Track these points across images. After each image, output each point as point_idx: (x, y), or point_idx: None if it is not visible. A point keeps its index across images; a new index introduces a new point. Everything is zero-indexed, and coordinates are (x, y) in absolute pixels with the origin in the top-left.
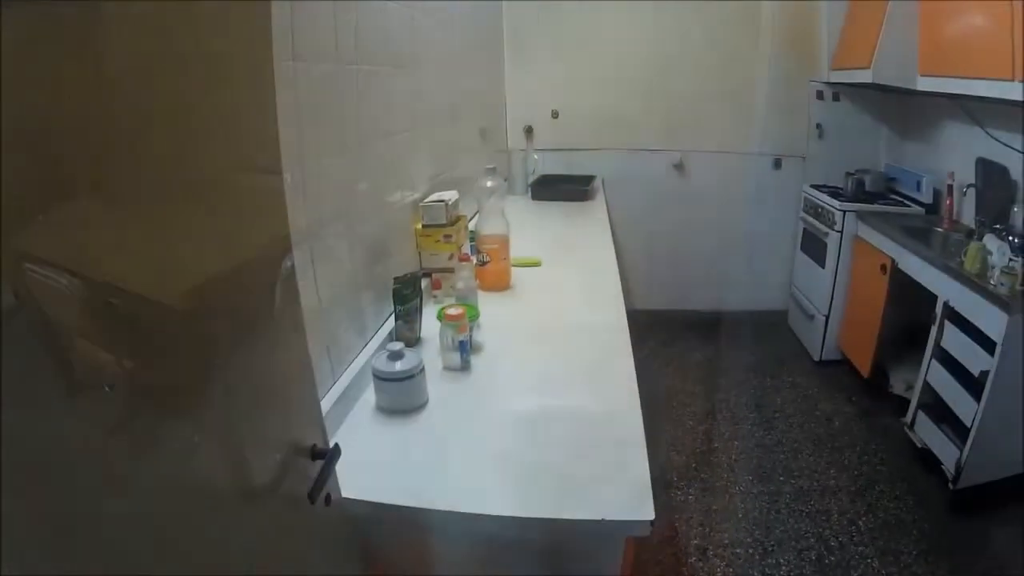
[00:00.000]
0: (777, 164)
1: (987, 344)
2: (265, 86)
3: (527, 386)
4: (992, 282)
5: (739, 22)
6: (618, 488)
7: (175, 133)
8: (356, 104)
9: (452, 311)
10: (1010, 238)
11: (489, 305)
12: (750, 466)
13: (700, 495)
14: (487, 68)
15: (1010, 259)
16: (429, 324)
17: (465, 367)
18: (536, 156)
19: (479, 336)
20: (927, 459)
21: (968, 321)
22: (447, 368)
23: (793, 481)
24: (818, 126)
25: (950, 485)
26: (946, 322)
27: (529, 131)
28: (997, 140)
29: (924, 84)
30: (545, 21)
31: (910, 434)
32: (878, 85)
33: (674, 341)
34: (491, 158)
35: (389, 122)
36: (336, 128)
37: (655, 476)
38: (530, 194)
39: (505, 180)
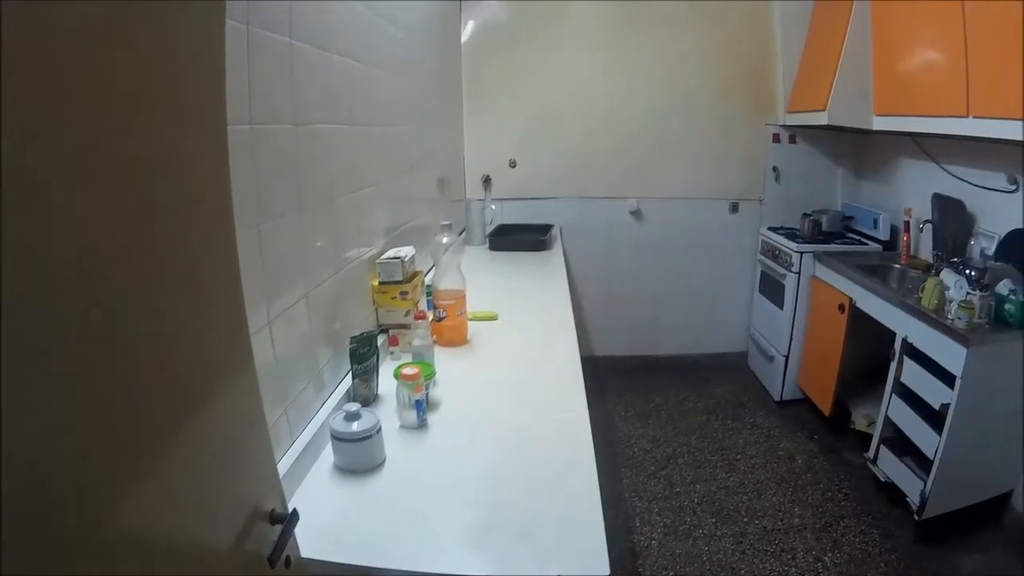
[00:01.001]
0: (734, 208)
1: (947, 378)
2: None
3: (483, 442)
4: (950, 316)
5: (695, 69)
6: (573, 543)
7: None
8: (314, 164)
9: (408, 371)
10: (967, 272)
11: (446, 361)
12: (713, 508)
13: (663, 539)
14: (446, 118)
15: (968, 293)
16: (387, 380)
17: (422, 425)
18: (494, 206)
19: (436, 393)
20: (891, 492)
21: (927, 356)
22: (404, 426)
23: (757, 521)
24: (775, 169)
25: (915, 516)
26: (905, 358)
27: (487, 180)
28: (952, 175)
29: (880, 123)
30: (503, 70)
31: (873, 468)
32: (835, 126)
33: (635, 387)
34: (449, 208)
35: (347, 179)
36: (294, 189)
37: (618, 523)
38: (488, 244)
39: (463, 230)
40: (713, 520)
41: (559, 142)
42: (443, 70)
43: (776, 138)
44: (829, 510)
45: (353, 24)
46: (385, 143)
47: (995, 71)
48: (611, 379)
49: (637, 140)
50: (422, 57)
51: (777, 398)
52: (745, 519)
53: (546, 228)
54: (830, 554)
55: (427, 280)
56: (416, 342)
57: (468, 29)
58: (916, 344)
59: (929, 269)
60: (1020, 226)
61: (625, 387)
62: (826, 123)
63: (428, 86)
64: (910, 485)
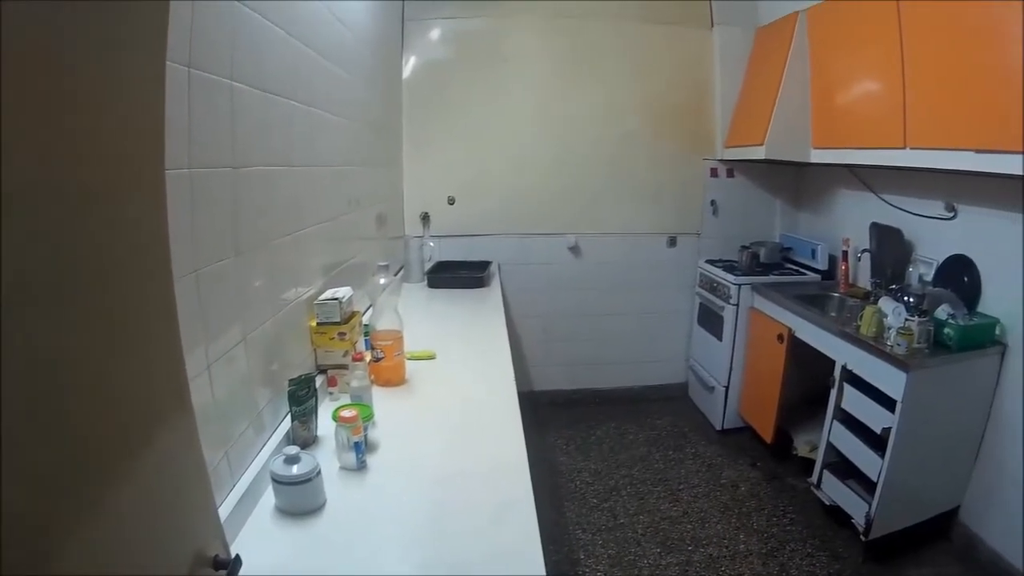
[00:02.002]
0: (672, 242)
1: (888, 402)
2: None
3: (423, 483)
4: (889, 343)
5: (634, 107)
6: None
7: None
8: (253, 206)
9: (346, 413)
10: (906, 298)
11: (385, 401)
12: (657, 538)
13: (609, 570)
14: (387, 155)
15: (906, 319)
16: (327, 422)
17: (361, 467)
18: (432, 243)
19: (375, 434)
20: (837, 515)
21: (868, 382)
22: (344, 468)
23: (702, 549)
24: (713, 203)
25: (862, 537)
26: (845, 385)
27: (426, 217)
28: (890, 204)
29: (818, 156)
30: (443, 108)
31: (817, 493)
32: (773, 159)
33: (576, 420)
34: (388, 245)
35: (287, 220)
36: (232, 231)
37: (562, 556)
38: (427, 282)
39: (401, 268)
40: (658, 550)
41: (498, 179)
42: (384, 107)
43: (714, 173)
44: (775, 535)
45: (295, 65)
46: (325, 182)
47: (932, 103)
48: (552, 413)
49: (576, 177)
50: (364, 95)
51: (718, 427)
52: (690, 548)
53: (484, 265)
54: None
55: (365, 320)
56: (354, 383)
57: (410, 66)
58: (856, 371)
59: (868, 297)
60: (958, 252)
61: (566, 421)
62: (764, 157)
63: (369, 123)
64: (855, 507)
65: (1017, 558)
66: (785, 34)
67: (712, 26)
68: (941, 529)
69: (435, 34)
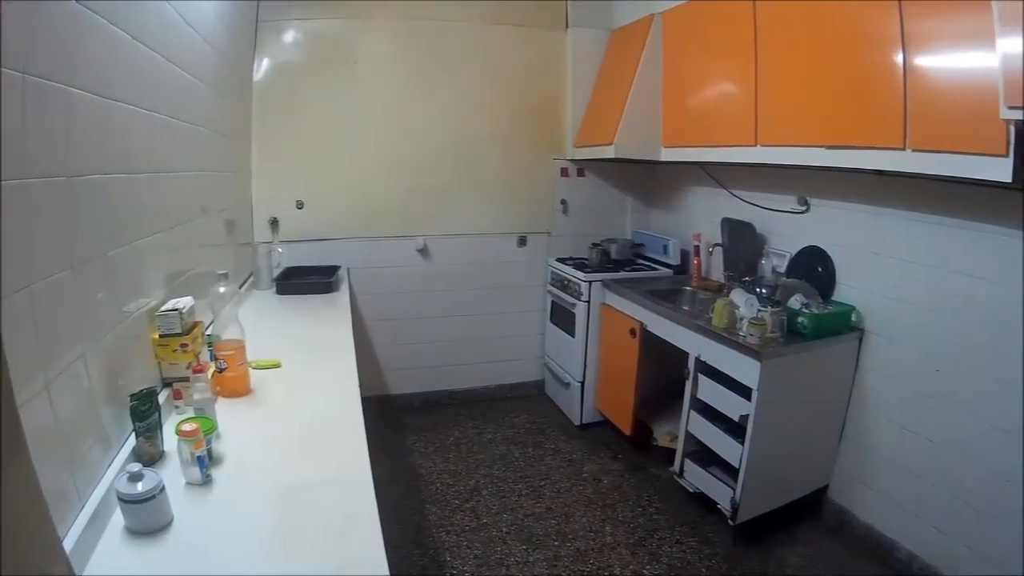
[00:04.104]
0: (522, 242)
1: (743, 391)
2: None
3: (268, 495)
4: (742, 333)
5: (485, 108)
6: None
7: None
8: (91, 216)
9: (186, 427)
10: (759, 290)
11: (230, 412)
12: (523, 536)
13: (476, 571)
14: (238, 160)
15: (759, 310)
16: (172, 436)
17: (207, 481)
18: (280, 249)
19: (220, 446)
20: (703, 501)
21: (723, 372)
22: (190, 483)
23: (569, 544)
24: (563, 202)
25: (730, 522)
26: (700, 375)
27: (275, 223)
28: (742, 199)
29: (668, 155)
30: (293, 111)
31: (681, 481)
32: (623, 158)
33: (434, 423)
34: (237, 252)
35: (128, 229)
36: (69, 243)
37: (428, 559)
38: (276, 289)
39: (251, 275)
40: (524, 547)
41: (348, 182)
42: (235, 111)
43: (564, 172)
44: (641, 525)
45: (141, 71)
46: (170, 189)
47: (784, 103)
48: (409, 417)
49: (427, 179)
50: (214, 99)
51: (577, 423)
52: (556, 543)
53: (333, 269)
54: (648, 567)
55: (210, 330)
56: (196, 396)
57: (262, 69)
58: (710, 362)
59: (721, 290)
60: (812, 244)
61: (424, 424)
62: (613, 156)
63: (219, 128)
64: (719, 493)
65: (888, 528)
66: (639, 36)
67: (567, 28)
68: (812, 508)
69: (289, 36)
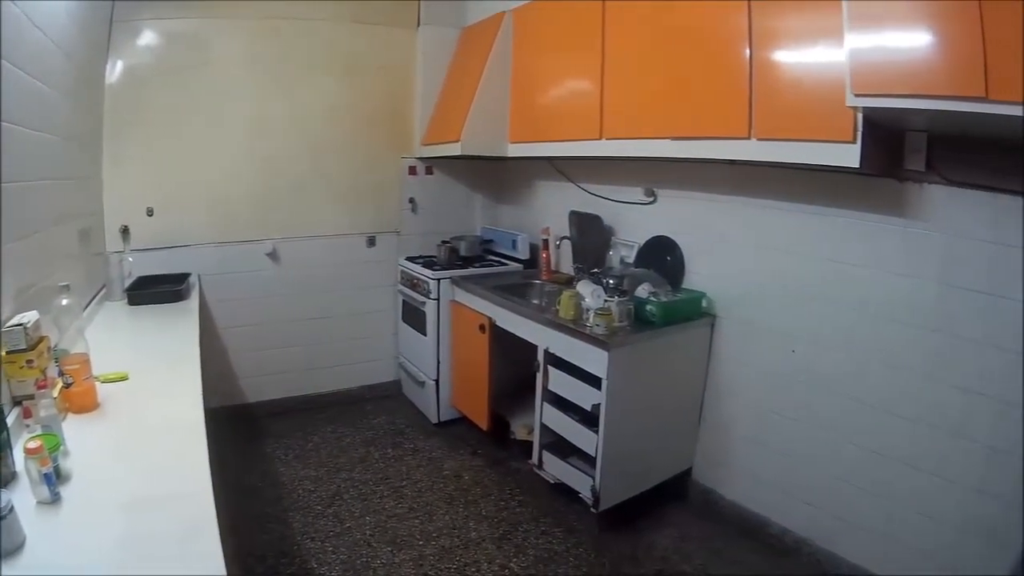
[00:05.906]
0: (371, 242)
1: (594, 381)
2: None
3: (114, 512)
4: (589, 324)
5: (334, 106)
6: None
7: None
8: None
9: (31, 444)
10: (606, 280)
11: (79, 428)
12: (387, 537)
13: (343, 575)
14: (90, 166)
15: (605, 300)
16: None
17: (56, 500)
18: (131, 258)
19: (69, 464)
20: (565, 491)
21: (573, 363)
22: (40, 502)
23: (434, 542)
24: (411, 200)
25: (592, 510)
26: (550, 367)
27: (125, 231)
28: (589, 192)
29: (515, 150)
30: (147, 113)
31: (541, 473)
32: (470, 155)
33: (293, 429)
34: (90, 263)
35: None
36: None
37: (294, 568)
38: (127, 299)
39: (104, 286)
40: (389, 549)
41: (198, 187)
42: (87, 116)
43: (412, 171)
44: (505, 519)
45: None
46: (14, 199)
47: (631, 98)
48: (268, 424)
49: (275, 182)
50: (64, 104)
51: (435, 421)
52: (421, 542)
53: (183, 277)
54: (515, 560)
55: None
56: (42, 412)
57: (116, 71)
58: (559, 354)
59: (571, 282)
60: (659, 233)
61: (283, 430)
62: (460, 153)
63: (69, 133)
64: (580, 482)
65: (758, 505)
66: (489, 33)
67: (418, 26)
68: (678, 491)
69: (144, 37)
